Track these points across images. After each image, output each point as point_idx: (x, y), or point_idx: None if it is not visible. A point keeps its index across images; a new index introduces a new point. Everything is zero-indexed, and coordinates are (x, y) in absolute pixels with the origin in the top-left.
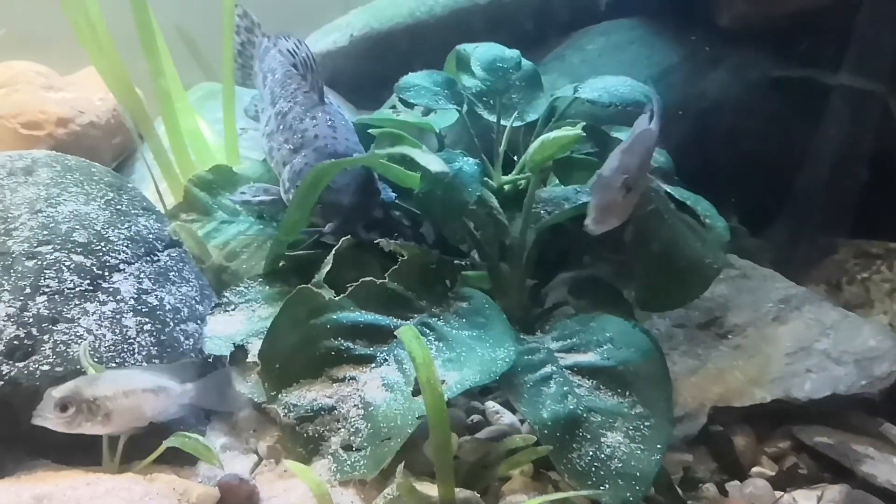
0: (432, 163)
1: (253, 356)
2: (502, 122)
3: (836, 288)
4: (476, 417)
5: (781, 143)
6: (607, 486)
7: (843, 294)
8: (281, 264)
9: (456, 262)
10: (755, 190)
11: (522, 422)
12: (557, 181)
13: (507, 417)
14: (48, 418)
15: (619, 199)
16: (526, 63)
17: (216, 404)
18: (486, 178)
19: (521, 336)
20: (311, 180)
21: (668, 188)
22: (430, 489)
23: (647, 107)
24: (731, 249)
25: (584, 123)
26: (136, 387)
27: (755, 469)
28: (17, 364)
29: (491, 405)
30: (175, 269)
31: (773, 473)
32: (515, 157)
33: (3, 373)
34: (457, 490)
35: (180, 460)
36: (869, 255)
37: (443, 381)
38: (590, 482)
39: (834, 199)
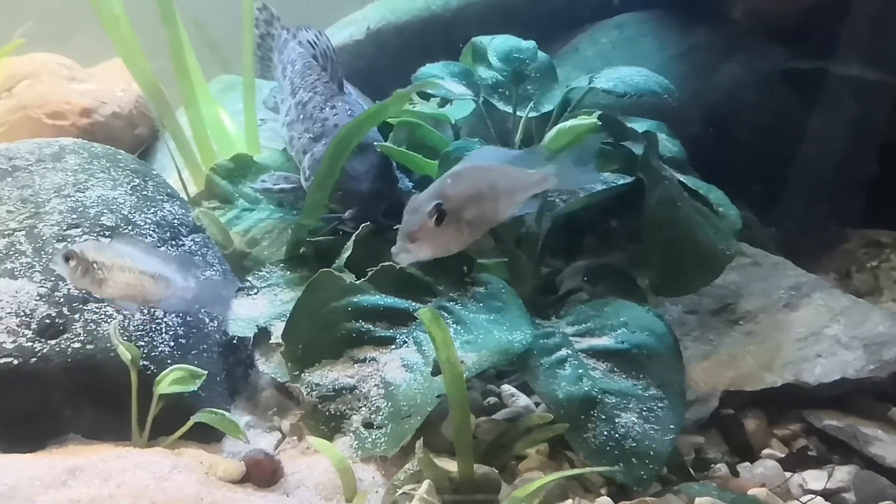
0: (454, 87)
1: (276, 338)
2: (518, 113)
3: (845, 276)
4: (492, 399)
5: (794, 134)
6: (622, 464)
7: (853, 282)
8: (302, 250)
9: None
10: (767, 180)
11: (538, 405)
12: None
13: (523, 400)
14: (57, 263)
15: (428, 225)
16: (541, 54)
17: (210, 305)
18: None
19: (537, 321)
20: (333, 151)
21: (682, 177)
22: (450, 465)
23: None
24: (743, 238)
25: (600, 112)
26: (135, 266)
27: (765, 451)
28: (48, 342)
29: (507, 388)
30: (199, 253)
31: (783, 455)
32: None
33: (36, 350)
34: (475, 466)
35: (207, 437)
36: (878, 244)
37: (461, 362)
38: (605, 460)
39: (844, 189)
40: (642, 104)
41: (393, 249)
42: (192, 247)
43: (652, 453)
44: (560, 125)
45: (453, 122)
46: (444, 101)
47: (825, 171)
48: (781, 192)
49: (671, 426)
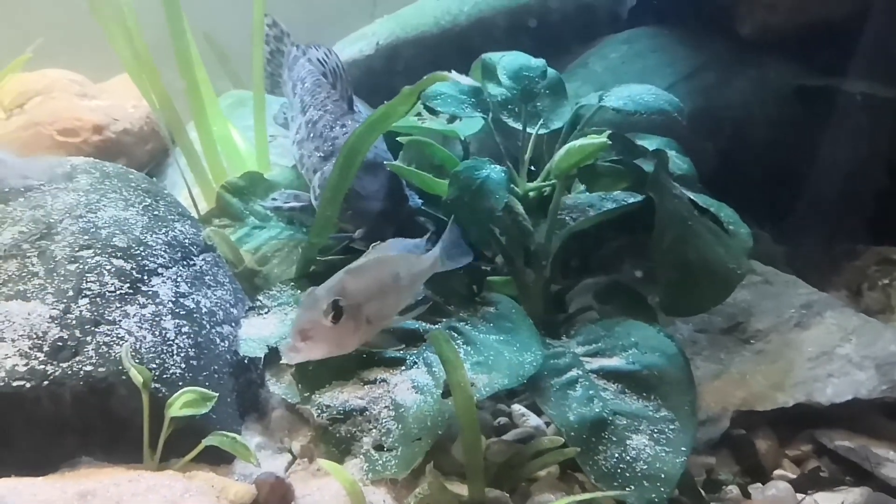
0: (462, 78)
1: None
2: (528, 130)
3: (856, 294)
4: (502, 420)
5: (803, 151)
6: (633, 487)
7: (864, 300)
8: (312, 269)
9: (483, 267)
10: (778, 197)
11: (548, 424)
12: (581, 188)
13: (533, 420)
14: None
15: (323, 323)
16: (551, 72)
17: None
18: (511, 185)
19: (547, 341)
20: (343, 161)
21: (692, 195)
22: (461, 489)
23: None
24: (754, 255)
25: (610, 132)
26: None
27: (777, 472)
28: (61, 364)
29: (517, 408)
30: (210, 273)
31: (795, 476)
32: (535, 166)
33: (48, 373)
34: (486, 490)
35: (218, 459)
36: (890, 262)
37: (472, 384)
38: (616, 483)
39: (855, 205)
40: (652, 121)
41: (281, 347)
42: (204, 266)
43: (663, 476)
44: (570, 144)
45: (462, 138)
46: (453, 118)
47: (836, 187)
48: (792, 209)
49: (682, 448)
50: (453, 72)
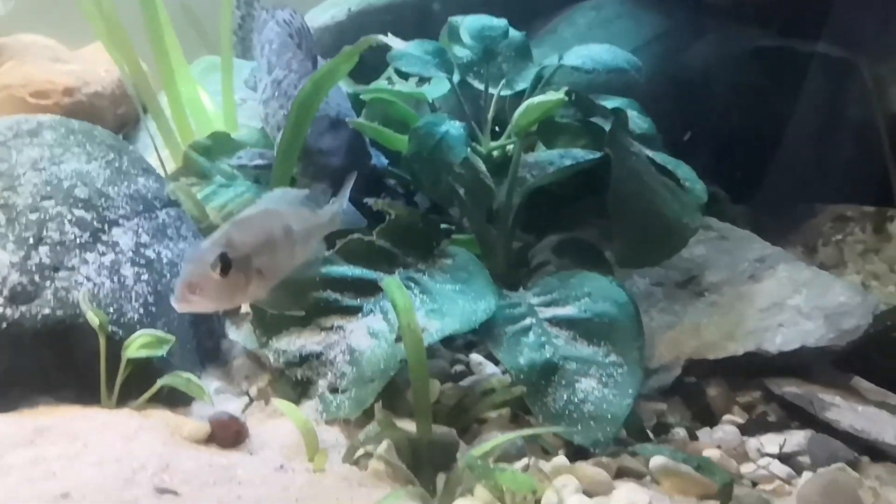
0: (398, 43)
1: (245, 307)
2: (490, 91)
3: (812, 250)
4: (459, 368)
5: (763, 113)
6: (580, 427)
7: (819, 255)
8: None
9: (444, 225)
10: (738, 158)
11: (505, 373)
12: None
13: (490, 368)
14: None
15: (210, 276)
16: (514, 32)
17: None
18: (474, 144)
19: (505, 292)
20: (294, 118)
21: (650, 153)
22: (410, 426)
23: (321, 187)
24: (713, 214)
25: (568, 89)
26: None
27: (726, 417)
28: (20, 307)
29: (475, 357)
30: (173, 226)
31: (743, 421)
32: (501, 129)
33: (7, 316)
34: (434, 426)
35: (175, 402)
36: (844, 219)
37: (424, 329)
38: (563, 423)
39: (813, 165)
40: (616, 84)
41: (171, 298)
42: (166, 220)
43: (609, 416)
44: (529, 101)
45: (430, 101)
46: (423, 81)
47: (794, 148)
48: (752, 170)
49: (629, 391)
50: (389, 34)
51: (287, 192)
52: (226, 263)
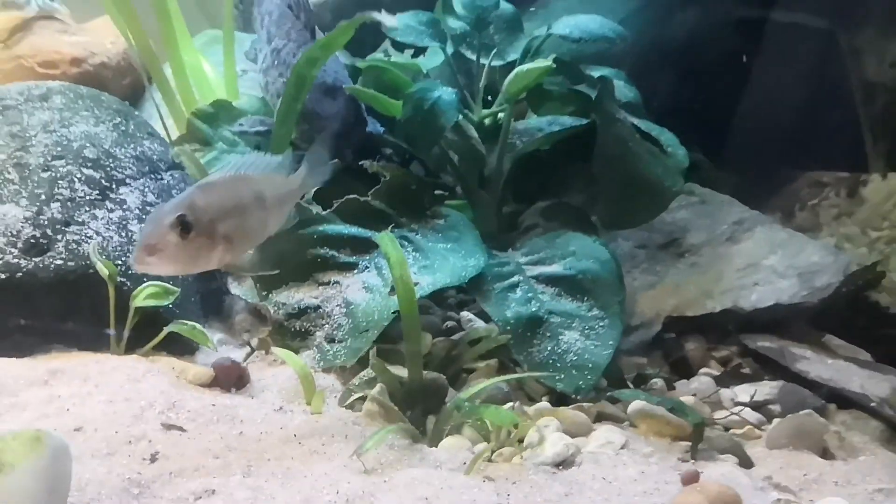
0: (387, 19)
1: None
2: (482, 61)
3: (790, 215)
4: (450, 324)
5: (745, 82)
6: (563, 375)
7: (796, 219)
8: None
9: (437, 192)
10: (721, 125)
11: None
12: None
13: (480, 325)
14: None
15: (170, 238)
16: (505, 4)
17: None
18: (466, 112)
19: (495, 253)
20: (292, 88)
21: (636, 120)
22: (403, 372)
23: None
24: (695, 179)
25: (556, 56)
26: None
27: (703, 370)
28: (33, 259)
29: (465, 314)
30: (177, 187)
31: (719, 374)
32: (493, 98)
33: (21, 266)
34: (425, 373)
35: (181, 350)
36: (820, 184)
37: (416, 283)
38: (547, 371)
39: (792, 133)
40: (604, 54)
41: (131, 258)
42: (171, 181)
43: (591, 365)
44: (518, 68)
45: (425, 71)
46: (418, 53)
47: (775, 116)
48: (734, 137)
49: (610, 342)
50: (383, 11)
51: (260, 158)
52: (185, 226)
